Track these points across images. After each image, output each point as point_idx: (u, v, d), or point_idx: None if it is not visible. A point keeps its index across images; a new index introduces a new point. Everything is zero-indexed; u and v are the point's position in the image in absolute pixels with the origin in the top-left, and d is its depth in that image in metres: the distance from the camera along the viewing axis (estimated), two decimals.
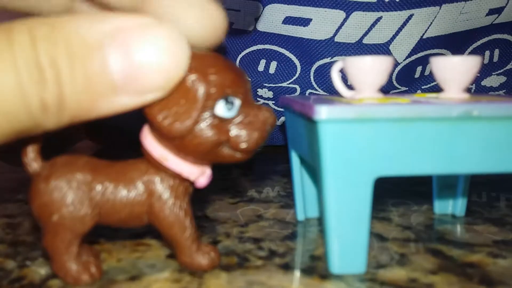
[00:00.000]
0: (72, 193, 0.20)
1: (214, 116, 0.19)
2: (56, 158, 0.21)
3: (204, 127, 0.19)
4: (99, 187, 0.20)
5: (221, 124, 0.19)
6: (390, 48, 0.42)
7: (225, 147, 0.19)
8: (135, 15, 0.17)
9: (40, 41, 0.16)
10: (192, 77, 0.18)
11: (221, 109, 0.19)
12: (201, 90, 0.18)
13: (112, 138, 0.57)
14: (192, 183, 0.22)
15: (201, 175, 0.21)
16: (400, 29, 0.41)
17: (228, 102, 0.19)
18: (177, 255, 0.22)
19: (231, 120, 0.19)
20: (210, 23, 0.19)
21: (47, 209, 0.20)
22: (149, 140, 0.20)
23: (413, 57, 0.43)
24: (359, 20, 0.41)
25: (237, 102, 0.19)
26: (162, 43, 0.17)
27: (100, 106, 0.17)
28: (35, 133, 0.17)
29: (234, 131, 0.19)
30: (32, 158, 0.21)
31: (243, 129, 0.19)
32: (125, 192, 0.21)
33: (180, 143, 0.19)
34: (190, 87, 0.18)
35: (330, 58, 0.43)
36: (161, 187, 0.21)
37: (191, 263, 0.22)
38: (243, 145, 0.19)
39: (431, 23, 0.41)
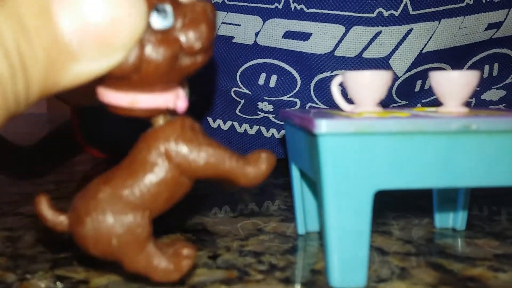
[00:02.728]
0: (109, 217, 0.19)
1: (155, 32, 0.18)
2: (74, 202, 0.20)
3: (152, 47, 0.18)
4: (125, 192, 0.19)
5: (165, 36, 0.18)
6: (390, 62, 0.42)
7: (183, 58, 0.18)
8: None
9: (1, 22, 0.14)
10: None
11: (156, 21, 0.18)
12: None
13: (109, 149, 0.57)
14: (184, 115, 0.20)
15: (177, 99, 0.20)
16: (399, 44, 0.42)
17: (160, 11, 0.18)
18: (233, 180, 0.20)
19: (173, 28, 0.18)
20: None
21: (101, 245, 0.19)
22: (110, 95, 0.19)
23: (412, 71, 0.44)
24: (359, 35, 0.41)
25: (168, 7, 0.18)
26: None
27: (64, 77, 0.16)
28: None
29: (182, 37, 0.18)
30: (47, 210, 0.20)
31: (189, 29, 0.18)
32: (150, 177, 0.19)
33: (139, 77, 0.18)
34: None
35: (330, 72, 0.44)
36: (173, 143, 0.19)
37: (255, 173, 0.20)
38: (197, 44, 0.18)
39: (431, 37, 0.42)
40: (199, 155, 0.20)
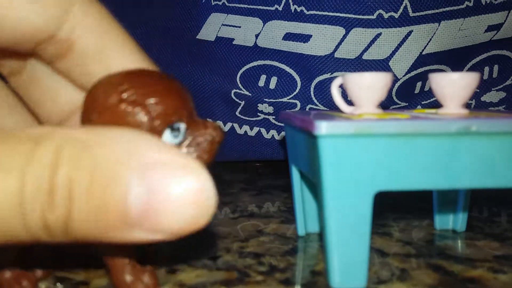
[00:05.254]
0: None
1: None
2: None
3: None
4: None
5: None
6: (389, 64, 0.42)
7: None
8: (174, 151, 0.16)
9: (64, 164, 0.15)
10: (136, 111, 0.18)
11: (167, 137, 0.18)
12: (145, 127, 0.18)
13: None
14: None
15: None
16: (399, 45, 0.42)
17: (174, 129, 0.18)
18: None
19: (179, 145, 0.19)
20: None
21: None
22: None
23: (412, 73, 0.44)
24: (359, 36, 0.41)
25: (183, 126, 0.18)
26: (190, 192, 0.16)
27: (110, 236, 0.16)
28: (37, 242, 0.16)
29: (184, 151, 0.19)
30: None
31: (193, 153, 0.19)
32: None
33: None
34: (133, 124, 0.17)
35: (330, 73, 0.44)
36: None
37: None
38: None
39: (430, 39, 0.42)
40: None
